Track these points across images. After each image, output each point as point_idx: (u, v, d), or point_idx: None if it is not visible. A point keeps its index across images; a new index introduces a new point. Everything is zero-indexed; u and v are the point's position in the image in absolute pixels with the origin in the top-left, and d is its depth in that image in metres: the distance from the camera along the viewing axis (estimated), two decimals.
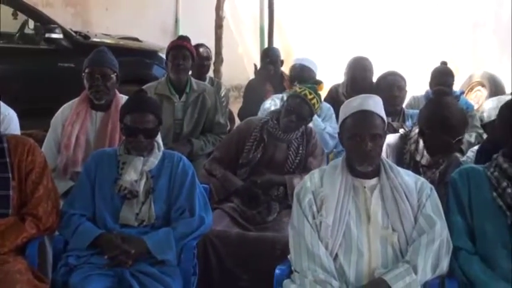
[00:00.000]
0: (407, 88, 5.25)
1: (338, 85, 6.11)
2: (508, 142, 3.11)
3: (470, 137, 5.28)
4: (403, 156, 3.75)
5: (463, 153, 4.49)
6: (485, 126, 4.42)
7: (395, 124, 4.76)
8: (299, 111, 4.21)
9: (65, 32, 7.32)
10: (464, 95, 8.25)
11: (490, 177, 3.12)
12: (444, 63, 5.77)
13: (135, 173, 3.48)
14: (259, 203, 4.14)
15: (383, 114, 3.14)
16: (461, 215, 3.11)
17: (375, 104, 3.13)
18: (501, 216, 3.03)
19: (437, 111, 3.67)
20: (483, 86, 8.76)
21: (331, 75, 6.93)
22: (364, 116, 3.06)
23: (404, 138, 3.81)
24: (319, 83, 4.46)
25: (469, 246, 3.06)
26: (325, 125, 4.96)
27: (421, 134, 3.71)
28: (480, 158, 4.02)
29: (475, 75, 9.29)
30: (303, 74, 5.14)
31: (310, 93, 4.23)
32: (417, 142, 3.73)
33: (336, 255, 3.00)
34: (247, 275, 3.86)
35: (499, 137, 3.20)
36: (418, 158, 3.69)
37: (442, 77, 5.58)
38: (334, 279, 2.93)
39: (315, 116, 4.92)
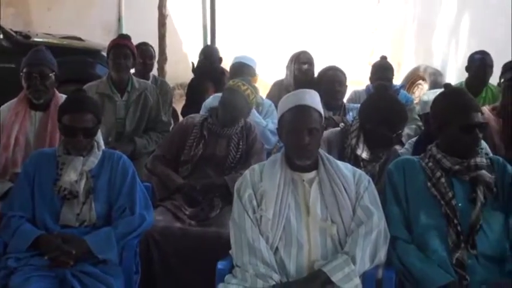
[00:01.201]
0: (347, 83, 5.32)
1: (281, 80, 6.15)
2: (440, 133, 3.20)
3: (409, 129, 5.38)
4: (344, 150, 3.80)
5: (403, 145, 4.58)
6: (421, 118, 4.52)
7: (336, 118, 4.82)
8: (234, 103, 4.25)
9: (4, 32, 7.20)
10: (406, 89, 8.40)
11: (424, 168, 3.20)
12: (384, 58, 5.86)
13: (74, 174, 3.45)
14: (200, 203, 4.15)
15: (320, 108, 3.18)
16: (397, 205, 3.18)
17: (312, 99, 3.17)
18: (435, 205, 3.11)
19: (378, 106, 3.74)
20: (424, 80, 8.95)
21: (272, 71, 6.98)
22: (302, 111, 3.10)
23: (345, 133, 3.87)
24: (253, 75, 4.49)
25: (406, 235, 3.13)
26: (266, 122, 4.99)
27: (361, 128, 3.77)
28: (417, 149, 4.10)
29: (416, 70, 9.47)
30: (243, 71, 5.16)
31: (244, 85, 4.27)
32: (358, 136, 3.78)
33: (277, 248, 3.04)
34: (191, 271, 3.85)
35: (433, 128, 3.28)
36: (358, 152, 3.75)
37: (382, 71, 5.65)
38: (274, 273, 2.97)
39: (256, 114, 4.97)
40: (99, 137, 3.85)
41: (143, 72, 5.99)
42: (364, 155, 3.75)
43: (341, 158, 3.54)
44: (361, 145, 3.76)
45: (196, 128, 4.30)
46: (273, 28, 11.43)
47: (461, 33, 9.71)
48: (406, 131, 5.36)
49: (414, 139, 4.45)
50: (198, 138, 4.27)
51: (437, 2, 10.37)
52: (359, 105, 5.00)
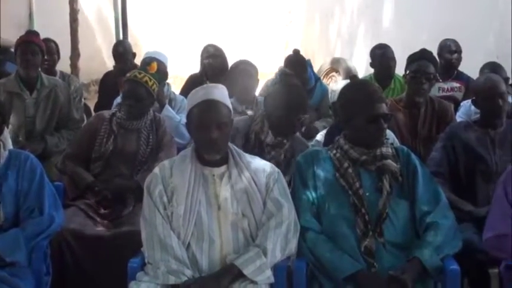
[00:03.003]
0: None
1: (195, 74, 6.14)
2: (347, 124, 3.26)
3: (325, 122, 5.46)
4: (249, 136, 3.85)
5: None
6: (331, 108, 4.60)
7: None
8: (134, 93, 4.22)
9: None
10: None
11: (332, 159, 3.26)
12: (296, 51, 5.92)
13: None
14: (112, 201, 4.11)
15: (228, 103, 3.19)
16: (307, 196, 3.22)
17: (220, 93, 3.17)
18: (344, 195, 3.17)
19: (278, 91, 3.85)
20: (337, 72, 9.08)
21: (186, 65, 6.96)
22: (210, 106, 3.10)
23: (251, 120, 3.92)
24: (150, 63, 4.47)
25: (316, 226, 3.18)
26: (180, 117, 4.97)
27: (265, 114, 3.83)
28: (328, 140, 4.16)
29: (328, 62, 9.61)
30: None
31: (140, 73, 4.25)
32: (262, 122, 3.86)
33: (189, 244, 3.04)
34: (104, 271, 3.80)
35: (340, 119, 3.34)
36: (262, 138, 3.80)
37: (295, 65, 5.72)
38: (186, 268, 2.96)
39: (169, 109, 4.96)
40: (6, 137, 3.73)
41: (48, 69, 5.87)
42: (269, 140, 3.80)
43: (246, 144, 3.56)
44: (265, 130, 3.81)
45: (105, 124, 4.25)
46: (189, 21, 11.38)
47: (372, 24, 9.95)
48: (322, 123, 5.45)
49: (325, 130, 4.51)
50: (108, 134, 4.22)
51: None
52: None
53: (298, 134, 4.16)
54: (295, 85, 3.99)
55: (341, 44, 10.60)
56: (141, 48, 8.65)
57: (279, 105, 3.79)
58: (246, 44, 10.69)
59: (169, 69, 5.54)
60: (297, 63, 5.73)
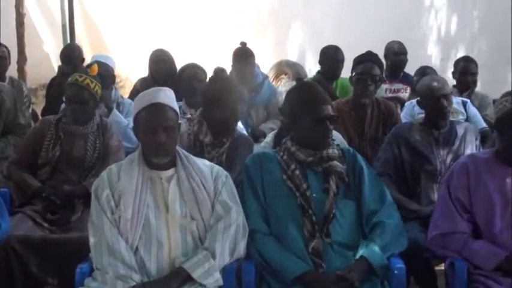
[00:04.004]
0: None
1: (144, 78, 6.12)
2: (294, 126, 3.29)
3: (273, 123, 5.49)
4: (189, 137, 3.86)
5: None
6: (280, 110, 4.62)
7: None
8: (77, 97, 4.17)
9: None
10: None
11: (280, 161, 3.28)
12: (243, 43, 5.93)
13: None
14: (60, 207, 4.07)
15: (175, 106, 3.18)
16: (255, 198, 3.24)
17: (167, 97, 3.16)
18: (291, 197, 3.20)
19: (211, 88, 3.87)
20: (286, 74, 9.14)
21: (137, 68, 6.93)
22: (157, 109, 3.09)
23: (190, 121, 3.93)
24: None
25: (264, 228, 3.20)
26: (128, 121, 4.94)
27: (203, 113, 3.85)
28: (277, 142, 4.18)
29: (279, 64, 9.66)
30: (100, 71, 5.09)
31: (81, 76, 4.20)
32: (200, 122, 3.87)
33: (137, 248, 3.03)
34: (53, 279, 3.76)
35: (286, 121, 3.37)
36: (201, 138, 3.81)
37: (243, 56, 5.77)
38: (135, 273, 2.95)
39: (117, 113, 4.93)
40: None
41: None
42: (207, 140, 3.81)
43: (188, 146, 3.57)
44: (204, 131, 3.83)
45: (51, 129, 4.19)
46: (140, 24, 11.30)
47: (319, 27, 10.05)
48: (270, 125, 5.48)
49: (275, 131, 4.53)
50: (55, 139, 4.17)
51: None
52: None
53: (245, 133, 4.19)
54: (226, 79, 4.00)
55: (291, 47, 10.65)
56: (89, 52, 8.54)
57: (211, 102, 3.81)
58: (197, 46, 10.66)
59: (120, 72, 5.51)
60: (244, 53, 5.79)
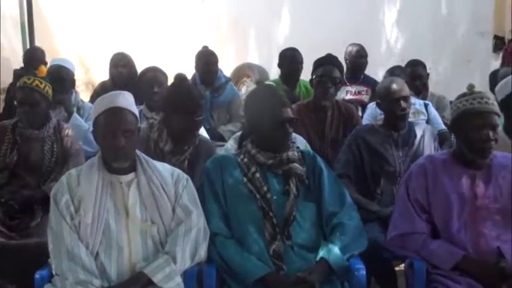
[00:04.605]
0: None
1: (105, 82, 6.07)
2: (254, 128, 3.31)
3: (233, 126, 5.49)
4: (149, 144, 3.83)
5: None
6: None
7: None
8: (27, 99, 4.12)
9: None
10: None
11: (240, 164, 3.29)
12: (206, 46, 5.95)
13: None
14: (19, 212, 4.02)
15: (135, 110, 3.17)
16: (216, 201, 3.25)
17: (126, 101, 3.15)
18: (252, 199, 3.21)
19: (172, 95, 3.87)
20: (249, 77, 9.15)
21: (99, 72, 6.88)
22: (116, 113, 3.07)
23: (150, 127, 3.91)
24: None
25: (225, 231, 3.21)
26: (88, 125, 4.90)
27: (164, 120, 3.83)
28: (241, 145, 4.18)
29: (241, 67, 9.68)
30: (61, 75, 5.05)
31: (29, 79, 4.16)
32: (161, 130, 3.84)
33: (97, 253, 3.01)
34: (12, 285, 3.71)
35: (247, 123, 3.39)
36: (161, 145, 3.79)
37: (207, 57, 5.80)
38: (95, 278, 2.93)
39: (77, 117, 4.89)
40: None
41: None
42: (168, 147, 3.80)
43: (146, 153, 3.55)
44: (164, 138, 3.81)
45: (8, 134, 4.14)
46: (102, 27, 11.22)
47: (280, 31, 10.10)
48: (229, 127, 5.48)
49: (238, 134, 4.52)
50: (12, 144, 4.12)
51: (253, 1, 10.68)
52: None
53: (206, 136, 4.17)
54: (187, 87, 3.98)
55: (252, 50, 10.68)
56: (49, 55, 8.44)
57: (172, 110, 3.79)
58: (158, 49, 10.62)
59: (82, 76, 5.46)
60: (207, 55, 5.81)
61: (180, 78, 4.00)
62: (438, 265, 3.13)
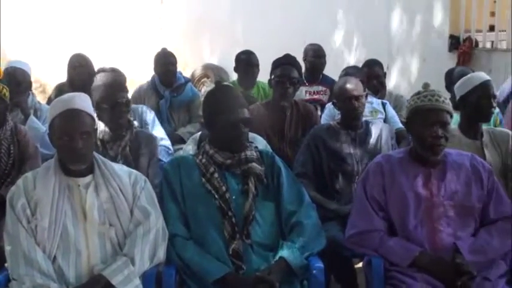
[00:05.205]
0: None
1: (62, 84, 6.01)
2: (210, 129, 3.32)
3: (192, 127, 5.48)
4: None
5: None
6: None
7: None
8: None
9: None
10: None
11: (199, 164, 3.30)
12: (164, 49, 5.94)
13: None
14: None
15: (91, 111, 3.15)
16: (174, 202, 3.24)
17: (83, 102, 3.12)
18: (211, 200, 3.22)
19: (97, 83, 3.92)
20: (208, 77, 9.18)
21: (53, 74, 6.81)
22: (72, 115, 3.05)
23: None
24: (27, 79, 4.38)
25: (184, 231, 3.21)
26: (45, 127, 4.84)
27: (98, 108, 3.81)
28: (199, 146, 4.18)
29: (200, 68, 9.69)
30: (16, 77, 4.98)
31: None
32: (99, 117, 3.81)
33: (55, 257, 2.98)
34: None
35: (205, 123, 3.39)
36: (101, 136, 3.78)
37: (165, 57, 5.78)
38: (53, 282, 2.90)
39: (34, 119, 4.83)
40: None
41: None
42: (107, 137, 3.78)
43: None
44: (101, 129, 3.79)
45: None
46: (60, 29, 11.12)
47: (239, 32, 10.13)
48: (188, 129, 5.47)
49: (197, 134, 4.52)
50: None
51: (212, 2, 10.71)
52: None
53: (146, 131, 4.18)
54: (108, 71, 4.00)
55: (212, 50, 10.69)
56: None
57: (98, 97, 3.80)
58: (118, 51, 10.58)
59: (40, 78, 5.39)
60: (165, 57, 5.79)
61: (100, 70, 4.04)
62: (396, 262, 3.17)
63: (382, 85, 5.92)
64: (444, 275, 3.08)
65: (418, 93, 3.32)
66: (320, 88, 6.34)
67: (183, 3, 11.25)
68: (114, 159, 3.57)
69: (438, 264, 3.12)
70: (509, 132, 4.04)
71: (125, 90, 3.96)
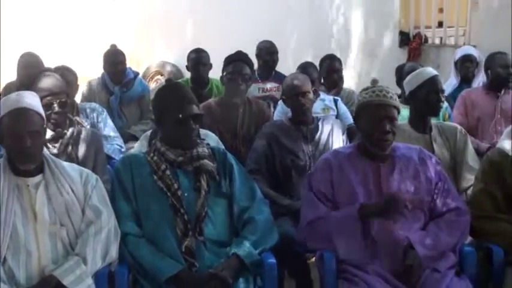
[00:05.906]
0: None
1: (12, 83, 5.92)
2: (160, 126, 3.33)
3: (143, 124, 5.46)
4: None
5: None
6: None
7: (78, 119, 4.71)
8: None
9: None
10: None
11: (150, 162, 3.28)
12: (114, 46, 5.89)
13: None
14: None
15: (41, 110, 3.12)
16: (126, 201, 3.23)
17: (32, 101, 3.10)
18: (163, 197, 3.21)
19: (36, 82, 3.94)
20: (162, 75, 9.14)
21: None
22: (21, 114, 3.02)
23: None
24: None
25: (136, 230, 3.19)
26: None
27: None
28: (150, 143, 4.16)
29: (152, 66, 9.64)
30: None
31: None
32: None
33: (5, 258, 2.94)
34: None
35: (155, 120, 3.39)
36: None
37: (114, 56, 5.75)
38: (2, 284, 2.87)
39: None
40: None
41: None
42: (48, 136, 3.73)
43: None
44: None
45: None
46: (11, 25, 10.96)
47: (192, 30, 10.11)
48: (140, 127, 5.44)
49: (149, 132, 4.50)
50: None
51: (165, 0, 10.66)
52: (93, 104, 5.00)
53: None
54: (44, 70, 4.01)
55: (164, 48, 10.63)
56: None
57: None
58: (69, 48, 10.46)
59: None
60: (114, 54, 5.75)
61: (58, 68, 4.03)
62: (345, 229, 3.17)
63: (341, 79, 6.00)
64: (388, 211, 3.13)
65: (367, 88, 3.36)
66: (272, 85, 6.35)
67: (134, 0, 11.17)
68: (57, 157, 3.53)
69: (380, 205, 3.16)
70: (458, 126, 4.13)
71: (62, 92, 3.95)
